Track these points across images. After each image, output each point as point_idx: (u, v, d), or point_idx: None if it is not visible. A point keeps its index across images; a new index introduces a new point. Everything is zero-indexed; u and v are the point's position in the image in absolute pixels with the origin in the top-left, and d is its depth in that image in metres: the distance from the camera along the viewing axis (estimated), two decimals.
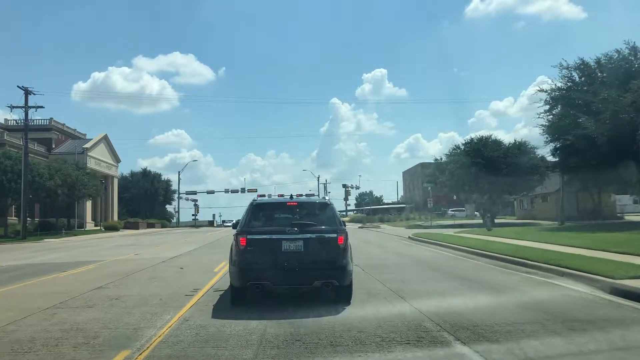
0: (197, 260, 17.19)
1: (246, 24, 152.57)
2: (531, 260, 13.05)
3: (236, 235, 8.30)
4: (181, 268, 14.34)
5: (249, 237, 8.17)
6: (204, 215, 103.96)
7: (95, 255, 20.23)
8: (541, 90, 31.30)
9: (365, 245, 22.07)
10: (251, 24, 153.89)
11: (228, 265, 8.91)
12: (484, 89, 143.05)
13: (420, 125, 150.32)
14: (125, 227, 59.71)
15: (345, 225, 8.78)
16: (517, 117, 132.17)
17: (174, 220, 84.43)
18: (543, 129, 31.09)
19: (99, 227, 58.37)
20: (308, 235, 8.13)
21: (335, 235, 8.27)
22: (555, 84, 31.24)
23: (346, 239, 8.38)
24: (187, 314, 7.76)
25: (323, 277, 8.03)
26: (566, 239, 18.95)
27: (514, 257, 14.06)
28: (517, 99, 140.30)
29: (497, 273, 12.13)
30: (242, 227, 8.37)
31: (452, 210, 70.79)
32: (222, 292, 9.73)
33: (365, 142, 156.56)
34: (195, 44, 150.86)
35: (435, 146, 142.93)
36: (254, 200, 9.05)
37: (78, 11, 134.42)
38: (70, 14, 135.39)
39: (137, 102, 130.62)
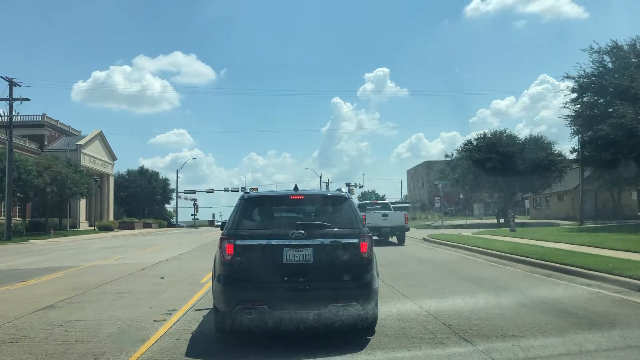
0: (184, 266, 14.79)
1: (248, 25, 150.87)
2: (586, 269, 10.72)
3: (221, 241, 5.92)
4: (162, 278, 11.94)
5: (237, 242, 5.80)
6: (204, 215, 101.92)
7: (71, 260, 17.83)
8: (568, 77, 28.64)
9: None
10: (253, 24, 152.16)
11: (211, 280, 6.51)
12: (485, 88, 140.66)
13: (421, 124, 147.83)
14: (121, 227, 57.29)
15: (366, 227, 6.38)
16: (518, 116, 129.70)
17: (173, 219, 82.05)
18: (569, 120, 28.53)
19: (93, 227, 56.03)
20: (319, 241, 5.80)
21: (356, 240, 5.91)
22: (584, 70, 28.53)
23: (371, 245, 6.02)
24: (147, 355, 5.37)
25: (340, 299, 5.64)
26: (611, 242, 16.23)
27: (565, 264, 11.66)
28: (518, 98, 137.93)
29: (551, 285, 9.75)
30: (229, 229, 5.98)
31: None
32: (206, 313, 7.39)
33: (366, 142, 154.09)
34: (197, 44, 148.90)
35: (437, 146, 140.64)
36: (245, 193, 6.61)
37: (79, 10, 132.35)
38: (71, 13, 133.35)
39: (138, 101, 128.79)
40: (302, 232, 5.75)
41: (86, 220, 59.04)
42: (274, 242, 5.76)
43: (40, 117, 58.22)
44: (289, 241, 5.71)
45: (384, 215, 22.12)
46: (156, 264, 15.56)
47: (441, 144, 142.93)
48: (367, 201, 31.54)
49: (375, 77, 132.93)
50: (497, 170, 37.55)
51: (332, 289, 5.66)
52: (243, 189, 78.88)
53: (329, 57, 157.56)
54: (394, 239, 22.79)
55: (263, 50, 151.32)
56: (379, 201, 29.78)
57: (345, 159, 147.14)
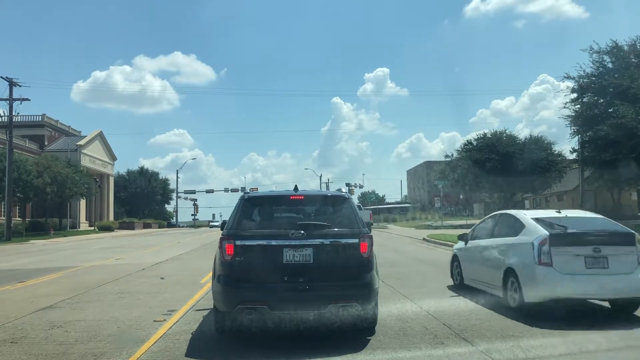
0: (184, 267, 14.80)
1: (248, 25, 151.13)
2: None
3: (221, 241, 5.92)
4: (162, 278, 11.94)
5: (237, 242, 5.80)
6: (204, 216, 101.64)
7: (71, 261, 17.83)
8: (568, 77, 28.65)
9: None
10: (253, 24, 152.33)
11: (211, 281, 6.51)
12: (485, 88, 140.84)
13: (421, 124, 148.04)
14: (121, 228, 57.26)
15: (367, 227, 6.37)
16: (518, 116, 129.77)
17: (173, 220, 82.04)
18: (569, 120, 28.52)
19: (93, 228, 56.02)
20: (319, 241, 5.79)
21: (356, 240, 5.91)
22: (584, 70, 28.50)
23: (371, 245, 6.02)
24: (147, 355, 5.37)
25: (340, 299, 5.64)
26: None
27: None
28: (518, 99, 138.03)
29: None
30: (229, 230, 5.97)
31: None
32: (206, 313, 7.39)
33: (366, 142, 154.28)
34: (197, 44, 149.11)
35: (437, 146, 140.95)
36: (245, 193, 6.60)
37: (78, 10, 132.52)
38: (71, 13, 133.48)
39: (138, 101, 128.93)
40: (302, 232, 5.75)
41: (86, 220, 59.03)
42: (274, 243, 5.76)
43: (40, 117, 58.20)
44: (289, 241, 5.71)
45: None
46: (156, 264, 15.57)
47: (441, 144, 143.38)
48: None
49: (375, 77, 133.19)
50: (497, 171, 37.54)
51: (332, 289, 5.66)
52: (243, 189, 78.58)
53: (329, 57, 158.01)
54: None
55: (263, 50, 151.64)
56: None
57: (345, 159, 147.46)
